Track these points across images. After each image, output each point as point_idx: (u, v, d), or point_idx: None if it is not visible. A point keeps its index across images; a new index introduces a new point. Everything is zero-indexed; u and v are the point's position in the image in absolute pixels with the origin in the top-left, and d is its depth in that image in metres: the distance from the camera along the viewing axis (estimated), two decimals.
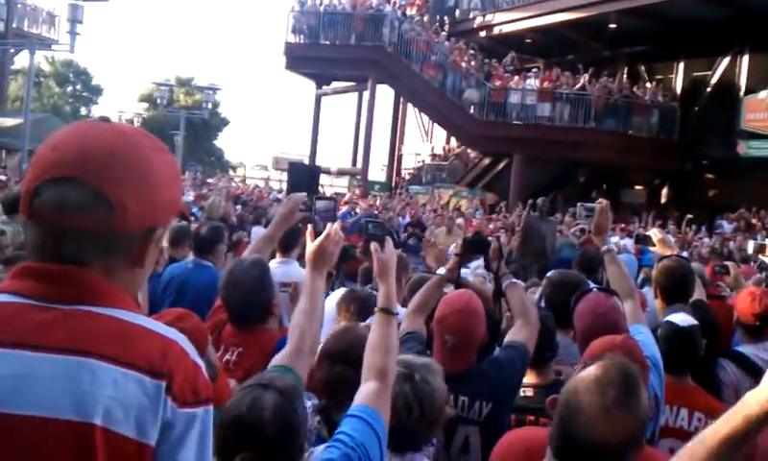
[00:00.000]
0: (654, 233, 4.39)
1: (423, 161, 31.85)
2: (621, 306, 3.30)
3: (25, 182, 1.33)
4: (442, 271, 3.85)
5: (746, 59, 22.21)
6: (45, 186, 1.26)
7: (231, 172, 50.71)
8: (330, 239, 2.50)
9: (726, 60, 22.66)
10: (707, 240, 14.06)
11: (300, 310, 2.45)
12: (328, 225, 2.57)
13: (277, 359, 2.37)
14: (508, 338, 3.25)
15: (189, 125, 26.21)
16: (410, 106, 30.30)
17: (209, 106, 27.68)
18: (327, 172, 27.27)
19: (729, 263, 6.16)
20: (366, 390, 2.09)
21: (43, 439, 1.21)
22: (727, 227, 17.95)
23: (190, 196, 14.01)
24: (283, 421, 1.88)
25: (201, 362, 1.34)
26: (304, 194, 3.06)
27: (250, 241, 7.65)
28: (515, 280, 3.53)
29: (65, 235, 1.26)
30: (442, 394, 2.43)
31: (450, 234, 12.59)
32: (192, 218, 8.90)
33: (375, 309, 2.30)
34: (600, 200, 3.74)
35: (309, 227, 2.60)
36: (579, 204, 4.05)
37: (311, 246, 2.50)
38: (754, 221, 18.17)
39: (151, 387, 1.24)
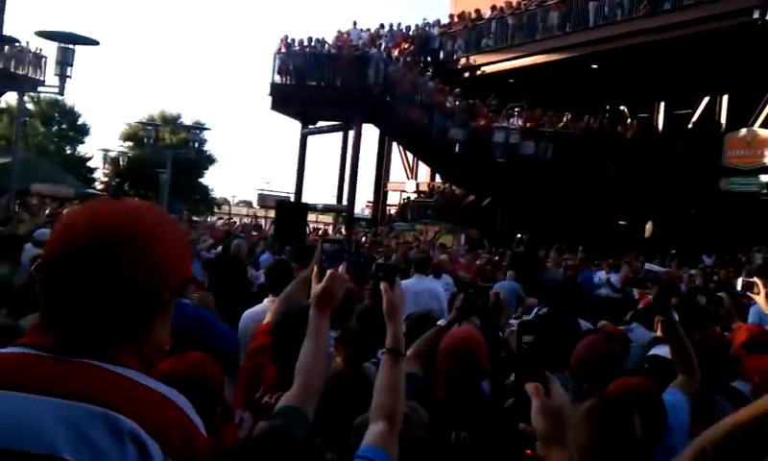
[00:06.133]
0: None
1: (408, 198, 32.01)
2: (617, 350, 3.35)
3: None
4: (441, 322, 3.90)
5: (726, 98, 22.60)
6: (58, 259, 1.39)
7: (216, 209, 50.63)
8: (335, 281, 2.53)
9: (706, 100, 23.03)
10: (693, 272, 14.19)
11: (306, 350, 2.47)
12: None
13: (286, 400, 2.40)
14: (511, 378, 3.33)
15: (175, 162, 26.21)
16: (394, 142, 30.54)
17: (195, 145, 27.77)
18: (313, 209, 27.37)
19: (722, 294, 6.20)
20: (374, 431, 2.12)
21: None
22: (707, 261, 18.12)
23: None
24: None
25: (200, 422, 1.41)
26: (345, 277, 2.76)
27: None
28: (516, 329, 3.60)
29: (76, 302, 1.37)
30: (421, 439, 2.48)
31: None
32: None
33: (382, 350, 2.35)
34: (668, 269, 3.63)
35: (315, 268, 2.64)
36: (646, 266, 3.91)
37: (316, 288, 2.54)
38: (739, 255, 18.34)
39: (147, 445, 1.31)
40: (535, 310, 6.07)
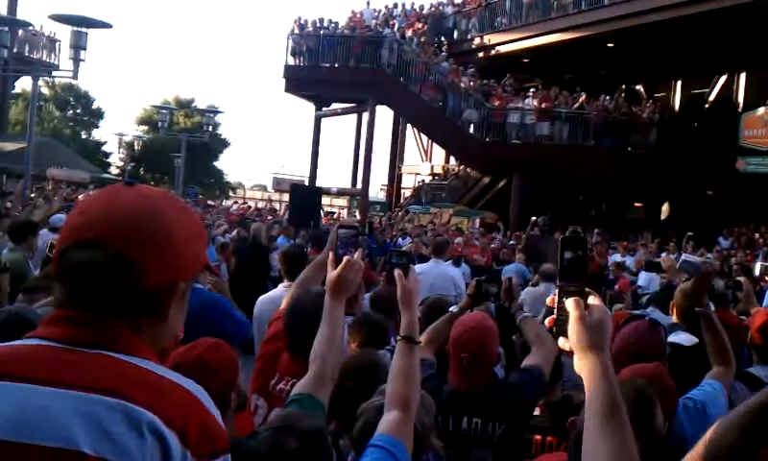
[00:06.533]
0: (663, 261, 4.41)
1: (423, 181, 31.94)
2: (662, 339, 3.30)
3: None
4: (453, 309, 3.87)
5: (743, 77, 22.33)
6: (72, 249, 1.37)
7: (231, 193, 50.76)
8: (350, 268, 2.50)
9: (723, 79, 22.78)
10: (709, 256, 14.10)
11: (321, 337, 2.45)
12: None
13: (300, 387, 2.39)
14: (523, 363, 3.32)
15: (189, 146, 26.25)
16: (409, 125, 30.43)
17: (210, 128, 27.78)
18: (328, 193, 27.37)
19: (741, 279, 6.12)
20: (389, 419, 2.10)
21: None
22: (724, 243, 17.98)
23: None
24: None
25: (216, 411, 1.39)
26: (361, 264, 2.64)
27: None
28: (527, 314, 3.59)
29: (90, 293, 1.35)
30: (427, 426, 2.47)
31: None
32: None
33: (397, 337, 2.32)
34: (706, 263, 3.58)
35: (330, 254, 2.61)
36: (683, 256, 3.86)
37: (332, 274, 2.51)
38: (756, 237, 18.19)
39: (165, 437, 1.29)
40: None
